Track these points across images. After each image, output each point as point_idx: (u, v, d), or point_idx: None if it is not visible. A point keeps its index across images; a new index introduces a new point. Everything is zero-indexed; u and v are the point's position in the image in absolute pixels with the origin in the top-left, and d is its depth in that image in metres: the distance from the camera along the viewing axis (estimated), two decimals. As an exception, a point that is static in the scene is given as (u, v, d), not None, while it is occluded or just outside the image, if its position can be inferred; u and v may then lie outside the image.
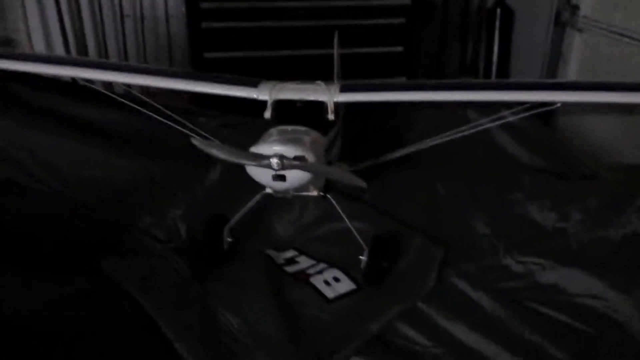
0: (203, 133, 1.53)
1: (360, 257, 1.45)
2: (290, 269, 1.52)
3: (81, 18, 3.35)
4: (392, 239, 1.56)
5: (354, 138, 1.80)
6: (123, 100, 1.56)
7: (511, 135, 1.97)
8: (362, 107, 1.88)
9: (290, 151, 1.21)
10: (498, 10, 3.64)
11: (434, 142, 1.55)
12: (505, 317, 1.38)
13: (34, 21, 3.33)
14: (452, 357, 1.29)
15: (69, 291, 1.27)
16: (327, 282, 1.47)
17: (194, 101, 2.44)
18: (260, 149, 1.22)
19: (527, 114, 1.46)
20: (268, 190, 1.38)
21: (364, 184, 1.27)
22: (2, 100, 1.50)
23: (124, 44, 3.43)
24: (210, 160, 1.62)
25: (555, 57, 3.35)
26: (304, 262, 1.55)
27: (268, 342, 1.26)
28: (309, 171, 1.22)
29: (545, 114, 3.28)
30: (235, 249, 1.56)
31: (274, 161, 1.18)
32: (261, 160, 1.19)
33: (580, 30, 3.20)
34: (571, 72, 3.31)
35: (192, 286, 1.40)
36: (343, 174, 1.32)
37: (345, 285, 1.46)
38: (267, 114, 1.40)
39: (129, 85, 1.62)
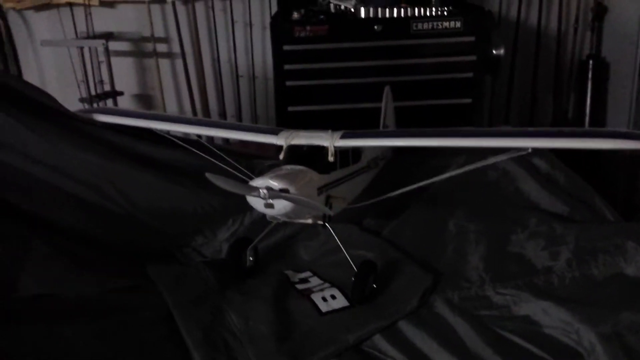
0: (247, 172, 1.90)
1: (352, 279, 1.69)
2: (300, 286, 1.79)
3: (204, 77, 3.93)
4: (385, 264, 1.77)
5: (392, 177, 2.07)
6: (184, 144, 2.03)
7: (537, 181, 2.09)
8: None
9: (277, 184, 1.52)
10: (590, 62, 3.66)
11: (428, 182, 1.76)
12: (475, 341, 1.52)
13: (167, 81, 3.99)
14: (418, 371, 1.47)
15: (115, 286, 1.67)
16: (324, 299, 1.71)
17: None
18: (256, 182, 1.54)
19: (506, 156, 1.62)
20: (269, 219, 1.69)
21: (330, 213, 1.54)
22: (91, 139, 1.98)
23: (239, 100, 3.96)
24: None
25: (642, 110, 3.31)
26: (314, 281, 1.82)
27: (258, 339, 1.54)
28: (289, 201, 1.51)
29: (633, 165, 3.26)
30: (260, 268, 1.88)
31: (263, 192, 1.50)
32: (254, 191, 1.51)
33: (667, 82, 3.15)
34: (659, 124, 3.25)
35: (212, 293, 1.73)
36: (316, 205, 1.58)
37: (339, 302, 1.70)
38: (281, 156, 1.73)
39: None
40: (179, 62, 3.95)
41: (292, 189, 1.53)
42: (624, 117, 3.52)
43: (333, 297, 1.72)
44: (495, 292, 1.65)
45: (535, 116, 3.84)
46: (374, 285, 1.69)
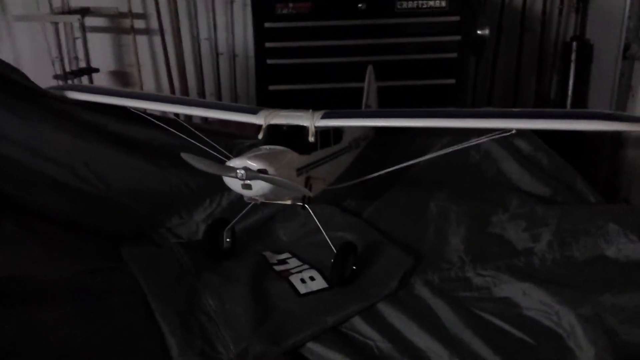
0: (226, 152, 1.85)
1: (332, 260, 1.66)
2: (278, 267, 1.76)
3: (183, 55, 3.85)
4: (365, 246, 1.75)
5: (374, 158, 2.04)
6: (160, 123, 1.97)
7: (519, 162, 2.07)
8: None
9: (255, 165, 1.48)
10: (574, 44, 3.64)
11: (410, 163, 1.73)
12: (454, 323, 1.51)
13: (144, 58, 3.90)
14: (396, 352, 1.45)
15: (88, 267, 1.62)
16: (303, 280, 1.69)
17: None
18: (233, 162, 1.50)
19: (489, 137, 1.60)
20: (247, 200, 1.65)
21: (309, 194, 1.51)
22: (64, 118, 1.92)
23: (218, 78, 3.89)
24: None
25: (624, 92, 3.31)
26: (292, 263, 1.79)
27: (236, 322, 1.50)
28: (268, 182, 1.47)
29: (614, 147, 3.27)
30: (238, 250, 1.84)
31: (240, 172, 1.45)
32: (231, 171, 1.47)
33: (648, 64, 3.14)
34: (640, 107, 3.25)
35: (188, 275, 1.69)
36: (294, 186, 1.55)
37: (318, 283, 1.67)
38: (260, 136, 1.69)
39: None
40: (157, 39, 3.86)
41: (270, 170, 1.49)
42: (605, 99, 3.51)
43: (312, 278, 1.69)
44: (476, 273, 1.64)
45: (518, 97, 3.83)
46: (354, 267, 1.67)
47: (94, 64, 3.69)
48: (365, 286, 1.63)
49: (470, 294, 1.59)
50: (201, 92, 3.94)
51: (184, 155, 1.49)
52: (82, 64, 3.66)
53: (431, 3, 2.83)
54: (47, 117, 1.90)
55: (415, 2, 2.83)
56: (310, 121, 1.67)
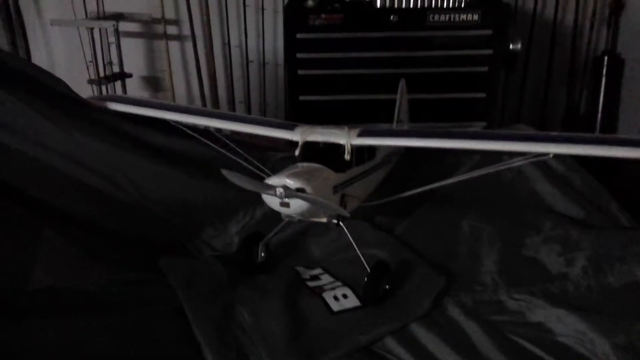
0: (261, 166, 1.88)
1: (365, 279, 1.67)
2: (311, 283, 1.78)
3: (214, 61, 3.89)
4: (398, 264, 1.76)
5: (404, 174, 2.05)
6: (197, 135, 2.01)
7: (553, 183, 2.07)
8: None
9: (293, 183, 1.50)
10: (605, 58, 3.62)
11: (444, 183, 1.74)
12: (487, 347, 1.51)
13: (176, 64, 3.95)
14: (429, 375, 1.46)
15: (126, 278, 1.66)
16: (336, 298, 1.70)
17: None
18: (272, 180, 1.52)
19: (526, 160, 1.61)
20: (284, 218, 1.67)
21: (346, 214, 1.53)
22: (103, 128, 1.96)
23: (248, 85, 3.93)
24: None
25: (657, 107, 3.27)
26: (325, 279, 1.80)
27: (270, 337, 1.53)
28: (306, 200, 1.49)
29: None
30: (271, 264, 1.86)
31: (279, 191, 1.48)
32: (270, 189, 1.49)
33: (683, 81, 3.11)
34: (674, 126, 3.22)
35: (224, 288, 1.72)
36: (331, 206, 1.57)
37: (351, 301, 1.69)
38: (297, 152, 1.71)
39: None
40: (188, 45, 3.91)
41: (308, 189, 1.51)
42: (637, 116, 3.49)
43: (345, 296, 1.71)
44: (509, 297, 1.64)
45: (548, 111, 3.80)
46: (387, 287, 1.68)
47: (127, 69, 3.75)
48: (398, 306, 1.64)
49: (504, 318, 1.59)
50: (231, 99, 3.98)
51: (224, 172, 1.51)
52: (116, 69, 3.71)
53: (463, 17, 2.84)
54: (87, 127, 1.94)
55: (447, 15, 2.84)
56: (347, 139, 1.69)
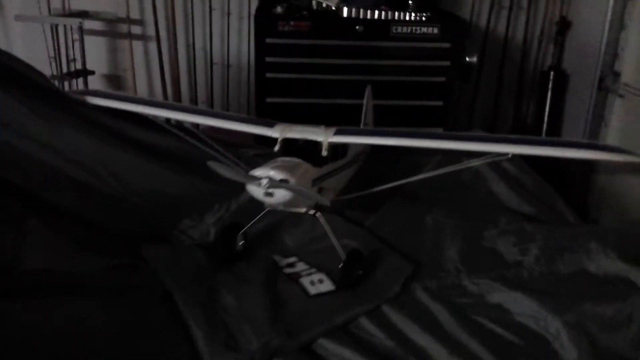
0: (232, 158, 1.98)
1: (340, 266, 1.80)
2: (288, 270, 1.90)
3: (178, 62, 3.95)
4: (369, 253, 1.89)
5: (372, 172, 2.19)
6: (177, 131, 2.09)
7: (506, 183, 2.26)
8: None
9: (277, 175, 1.62)
10: (551, 74, 3.87)
11: (411, 180, 1.90)
12: (452, 325, 1.66)
13: (139, 63, 3.99)
14: (400, 350, 1.59)
15: (112, 264, 1.72)
16: (312, 282, 1.82)
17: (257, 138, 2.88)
18: (257, 172, 1.63)
19: (485, 160, 1.78)
20: (267, 208, 1.78)
21: (327, 203, 1.66)
22: (84, 121, 2.03)
23: (211, 87, 4.00)
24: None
25: (597, 121, 3.55)
26: (300, 266, 1.92)
27: (254, 318, 1.63)
28: (289, 190, 1.61)
29: (587, 171, 3.48)
30: (248, 253, 1.96)
31: (264, 181, 1.59)
32: (255, 180, 1.60)
33: (621, 96, 3.39)
34: (611, 135, 3.50)
35: (206, 273, 1.81)
36: (313, 195, 1.69)
37: (327, 286, 1.81)
38: (276, 148, 1.83)
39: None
40: (152, 46, 3.96)
41: (291, 180, 1.63)
42: (579, 128, 3.76)
43: (320, 281, 1.83)
44: (470, 282, 1.80)
45: (497, 121, 4.05)
46: (360, 272, 1.81)
47: (89, 67, 3.76)
48: (370, 290, 1.78)
49: (466, 300, 1.75)
50: (194, 100, 4.04)
51: (211, 164, 1.61)
52: (79, 66, 3.73)
53: (424, 30, 3.02)
54: (70, 120, 2.00)
55: (410, 27, 3.02)
56: (324, 137, 1.82)
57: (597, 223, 3.04)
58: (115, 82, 4.06)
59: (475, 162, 1.86)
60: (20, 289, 1.48)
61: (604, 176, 3.55)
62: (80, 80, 3.70)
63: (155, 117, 2.12)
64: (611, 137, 3.48)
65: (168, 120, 2.13)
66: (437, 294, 1.77)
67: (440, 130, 3.08)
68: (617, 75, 3.39)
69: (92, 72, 3.76)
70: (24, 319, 1.39)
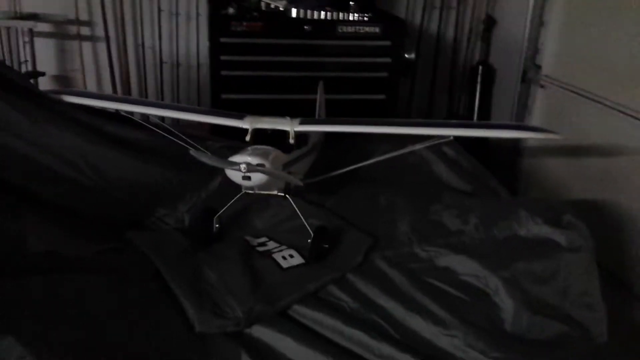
0: (205, 151, 2.17)
1: (309, 241, 2.03)
2: (260, 249, 2.10)
3: (127, 62, 4.06)
4: (333, 229, 2.14)
5: (329, 160, 2.43)
6: (150, 125, 2.27)
7: (447, 165, 2.56)
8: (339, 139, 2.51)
9: (254, 160, 1.83)
10: (480, 68, 4.23)
11: (365, 164, 2.16)
12: (407, 287, 1.92)
13: (89, 64, 4.07)
14: (364, 310, 1.84)
15: (102, 248, 1.89)
16: (284, 257, 2.04)
17: (212, 131, 3.07)
18: (235, 158, 1.84)
19: (430, 143, 2.06)
20: (244, 191, 1.99)
21: (300, 184, 1.89)
22: (65, 119, 2.17)
23: (161, 85, 4.13)
24: (213, 172, 2.26)
25: (522, 110, 3.93)
26: (271, 245, 2.13)
27: (234, 289, 1.83)
28: (265, 174, 1.83)
29: (514, 156, 3.85)
30: (222, 235, 2.16)
31: (243, 166, 1.80)
32: (235, 165, 1.81)
33: (542, 87, 3.78)
34: (534, 122, 3.89)
35: (188, 253, 2.00)
36: (288, 177, 1.92)
37: (297, 260, 2.03)
38: (247, 138, 2.04)
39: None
40: (101, 46, 4.05)
41: (266, 164, 1.84)
42: (506, 117, 4.14)
43: (291, 256, 2.05)
44: (421, 249, 2.07)
45: (433, 112, 4.39)
46: (326, 246, 2.05)
47: (39, 68, 3.83)
48: (336, 261, 2.01)
49: (418, 265, 2.02)
50: (144, 98, 4.16)
51: (192, 152, 1.80)
52: (29, 67, 3.78)
53: (367, 29, 3.29)
54: (53, 118, 2.14)
55: (354, 27, 3.28)
56: (291, 126, 2.05)
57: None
58: (65, 83, 4.12)
59: (419, 146, 2.14)
60: (28, 268, 1.63)
61: (527, 160, 3.94)
62: (32, 81, 3.75)
63: (129, 112, 2.28)
64: (534, 123, 3.87)
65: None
66: (393, 261, 2.02)
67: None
68: (538, 68, 3.78)
69: (43, 74, 3.82)
70: (33, 293, 1.54)
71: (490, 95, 4.36)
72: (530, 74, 3.82)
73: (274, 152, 1.95)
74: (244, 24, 3.18)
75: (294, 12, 3.28)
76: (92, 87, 4.12)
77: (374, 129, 2.08)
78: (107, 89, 4.12)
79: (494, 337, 1.75)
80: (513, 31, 4.01)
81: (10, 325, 1.34)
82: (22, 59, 3.76)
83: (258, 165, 1.83)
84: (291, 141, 2.04)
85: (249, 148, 1.94)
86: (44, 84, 3.86)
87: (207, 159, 1.80)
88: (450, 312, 1.81)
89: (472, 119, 4.32)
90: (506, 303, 1.85)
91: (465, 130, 2.02)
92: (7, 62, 3.72)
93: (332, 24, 3.25)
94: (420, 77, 4.30)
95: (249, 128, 2.06)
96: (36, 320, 1.41)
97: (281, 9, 3.34)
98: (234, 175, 1.86)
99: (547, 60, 3.66)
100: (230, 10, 3.26)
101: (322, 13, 3.27)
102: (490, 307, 1.86)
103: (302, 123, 2.07)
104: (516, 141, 3.65)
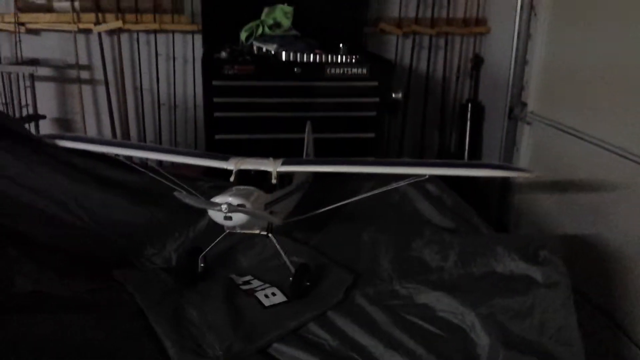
0: (192, 191, 2.25)
1: (290, 279, 2.09)
2: (244, 287, 2.16)
3: (126, 104, 4.18)
4: (315, 267, 2.19)
5: (315, 198, 2.50)
6: (140, 168, 2.36)
7: (430, 202, 2.62)
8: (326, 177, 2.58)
9: (235, 201, 1.90)
10: (469, 105, 4.33)
11: (347, 202, 2.23)
12: (387, 324, 1.96)
13: (88, 106, 4.20)
14: (343, 348, 1.87)
15: (89, 287, 1.95)
16: (266, 295, 2.09)
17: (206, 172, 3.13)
18: (217, 199, 1.91)
19: (407, 181, 2.13)
20: (227, 230, 2.06)
21: (279, 222, 1.95)
22: (58, 161, 2.26)
23: (159, 127, 4.24)
24: (201, 212, 2.33)
25: (510, 146, 4.00)
26: (255, 283, 2.19)
27: (216, 326, 1.88)
28: (246, 214, 1.90)
29: (504, 191, 3.91)
30: (208, 273, 2.22)
31: (224, 207, 1.87)
32: (216, 206, 1.88)
33: (529, 124, 3.86)
34: (523, 158, 3.96)
35: (172, 293, 2.05)
36: (267, 216, 1.99)
37: (279, 298, 2.09)
38: (232, 179, 2.11)
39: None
40: (101, 89, 4.18)
41: (247, 204, 1.92)
42: (495, 152, 4.22)
43: (273, 294, 2.10)
44: (401, 286, 2.11)
45: (425, 150, 4.47)
46: (308, 284, 2.10)
47: (40, 111, 3.95)
48: (317, 298, 2.06)
49: (398, 302, 2.06)
50: (143, 140, 4.27)
51: (177, 194, 1.88)
52: (30, 111, 3.91)
53: (355, 70, 3.39)
54: (45, 160, 2.23)
55: (342, 69, 3.38)
56: (273, 167, 2.13)
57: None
58: (66, 126, 4.25)
59: (400, 184, 2.21)
60: (13, 307, 1.69)
61: (518, 196, 4.00)
62: (32, 124, 3.87)
63: (118, 155, 2.37)
64: (523, 159, 3.94)
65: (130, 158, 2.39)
66: (374, 298, 2.07)
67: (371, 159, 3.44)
68: (524, 105, 3.87)
69: (44, 117, 3.95)
70: (15, 331, 1.60)
71: (480, 131, 4.45)
72: (516, 111, 3.91)
73: (256, 192, 2.02)
74: (236, 67, 3.29)
75: (283, 56, 3.39)
76: (91, 129, 4.24)
77: (353, 169, 2.16)
78: (107, 131, 4.23)
79: (470, 373, 1.79)
80: (500, 69, 4.12)
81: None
82: (24, 103, 3.88)
83: (239, 205, 1.90)
84: (273, 181, 2.11)
85: (232, 189, 2.02)
86: (45, 127, 3.99)
87: (189, 200, 1.88)
88: (427, 348, 1.85)
89: (463, 155, 4.40)
90: (482, 339, 1.89)
91: (438, 169, 2.10)
92: (10, 106, 3.85)
93: (321, 66, 3.35)
94: (411, 116, 4.40)
95: (233, 169, 2.14)
96: (15, 355, 1.46)
97: (272, 52, 3.45)
98: (216, 216, 1.93)
99: (532, 97, 3.75)
100: (223, 54, 3.38)
101: (312, 56, 3.38)
102: (466, 343, 1.89)
103: (284, 164, 2.14)
104: (505, 177, 3.72)
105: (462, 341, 1.91)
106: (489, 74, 4.39)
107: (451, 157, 4.48)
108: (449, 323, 1.97)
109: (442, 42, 4.33)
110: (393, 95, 3.50)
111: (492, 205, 4.02)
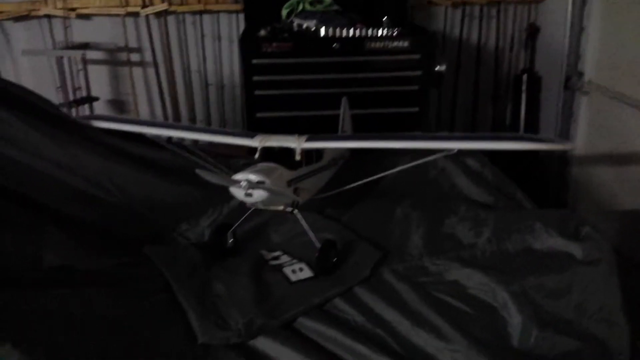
0: (215, 169, 2.25)
1: (316, 255, 2.06)
2: (272, 262, 2.15)
3: (175, 85, 4.25)
4: (343, 244, 2.15)
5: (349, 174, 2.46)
6: (171, 146, 2.38)
7: (469, 177, 2.52)
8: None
9: (255, 177, 1.89)
10: (524, 76, 4.15)
11: (379, 176, 2.18)
12: (414, 300, 1.90)
13: (139, 88, 4.29)
14: (369, 324, 1.83)
15: (117, 262, 2.00)
16: (293, 271, 2.08)
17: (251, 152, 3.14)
18: (238, 176, 1.91)
19: (437, 156, 2.05)
20: (250, 207, 2.05)
21: (298, 199, 1.92)
22: (92, 142, 2.32)
23: (208, 106, 4.29)
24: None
25: (568, 117, 3.81)
26: (284, 259, 2.18)
27: (241, 302, 1.89)
28: (265, 190, 1.88)
29: (563, 165, 3.75)
30: (239, 249, 2.23)
31: (243, 184, 1.86)
32: (236, 183, 1.87)
33: (586, 94, 3.66)
34: (580, 130, 3.77)
35: (200, 268, 2.07)
36: (287, 192, 1.96)
37: (306, 273, 2.07)
38: (256, 156, 2.10)
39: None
40: (151, 70, 4.26)
41: (267, 181, 1.90)
42: (552, 124, 4.02)
43: (301, 269, 2.09)
44: (431, 263, 2.05)
45: (477, 124, 4.32)
46: (335, 260, 2.07)
47: (93, 94, 4.07)
48: (343, 275, 2.03)
49: (427, 279, 2.00)
50: (193, 119, 4.34)
51: (198, 171, 1.88)
52: (84, 93, 4.04)
53: (396, 44, 3.29)
54: (79, 142, 2.29)
55: (382, 42, 3.29)
56: (297, 144, 2.09)
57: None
58: (119, 107, 4.37)
59: (428, 159, 2.14)
60: (42, 282, 1.75)
61: (576, 169, 3.81)
62: (87, 106, 4.00)
63: (152, 134, 2.40)
64: (581, 131, 3.75)
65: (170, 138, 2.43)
66: (402, 275, 2.02)
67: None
68: (580, 74, 3.66)
69: (97, 99, 4.07)
70: (41, 305, 1.65)
71: (536, 103, 4.25)
72: (573, 81, 3.71)
73: (278, 169, 2.00)
74: (274, 44, 3.26)
75: (322, 32, 3.33)
76: (143, 109, 4.35)
77: (378, 144, 2.10)
78: (158, 111, 4.33)
79: (498, 352, 1.71)
80: (556, 38, 3.92)
81: (12, 333, 1.45)
82: (77, 86, 4.01)
83: (258, 182, 1.88)
84: (297, 158, 2.08)
85: (253, 166, 2.00)
86: (99, 108, 4.12)
87: (210, 177, 1.87)
88: (454, 326, 1.78)
89: (518, 128, 4.23)
90: (514, 317, 1.81)
91: (468, 143, 2.00)
92: (63, 90, 4.00)
93: (360, 40, 3.27)
94: (462, 89, 4.25)
95: (258, 146, 2.12)
96: (39, 329, 1.52)
97: (312, 28, 3.40)
98: (237, 193, 1.92)
99: (589, 66, 3.54)
100: (262, 32, 3.36)
101: (352, 30, 3.30)
102: (497, 322, 1.82)
103: (308, 140, 2.11)
104: (551, 150, 3.55)
105: (492, 319, 1.83)
106: (546, 42, 4.18)
107: (506, 129, 4.32)
108: (480, 301, 1.89)
109: (494, 11, 4.14)
110: (437, 67, 3.37)
111: (549, 181, 3.85)
